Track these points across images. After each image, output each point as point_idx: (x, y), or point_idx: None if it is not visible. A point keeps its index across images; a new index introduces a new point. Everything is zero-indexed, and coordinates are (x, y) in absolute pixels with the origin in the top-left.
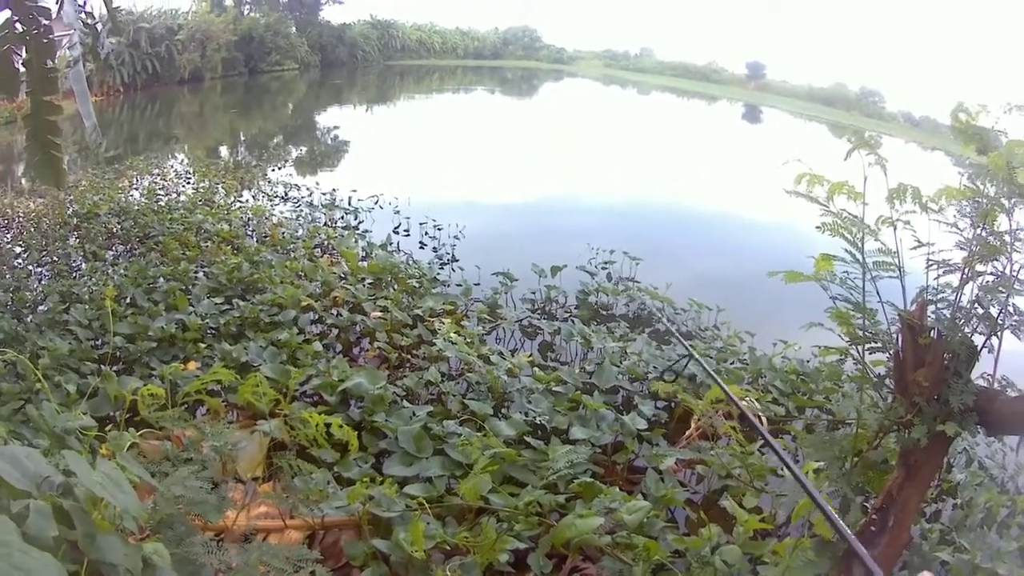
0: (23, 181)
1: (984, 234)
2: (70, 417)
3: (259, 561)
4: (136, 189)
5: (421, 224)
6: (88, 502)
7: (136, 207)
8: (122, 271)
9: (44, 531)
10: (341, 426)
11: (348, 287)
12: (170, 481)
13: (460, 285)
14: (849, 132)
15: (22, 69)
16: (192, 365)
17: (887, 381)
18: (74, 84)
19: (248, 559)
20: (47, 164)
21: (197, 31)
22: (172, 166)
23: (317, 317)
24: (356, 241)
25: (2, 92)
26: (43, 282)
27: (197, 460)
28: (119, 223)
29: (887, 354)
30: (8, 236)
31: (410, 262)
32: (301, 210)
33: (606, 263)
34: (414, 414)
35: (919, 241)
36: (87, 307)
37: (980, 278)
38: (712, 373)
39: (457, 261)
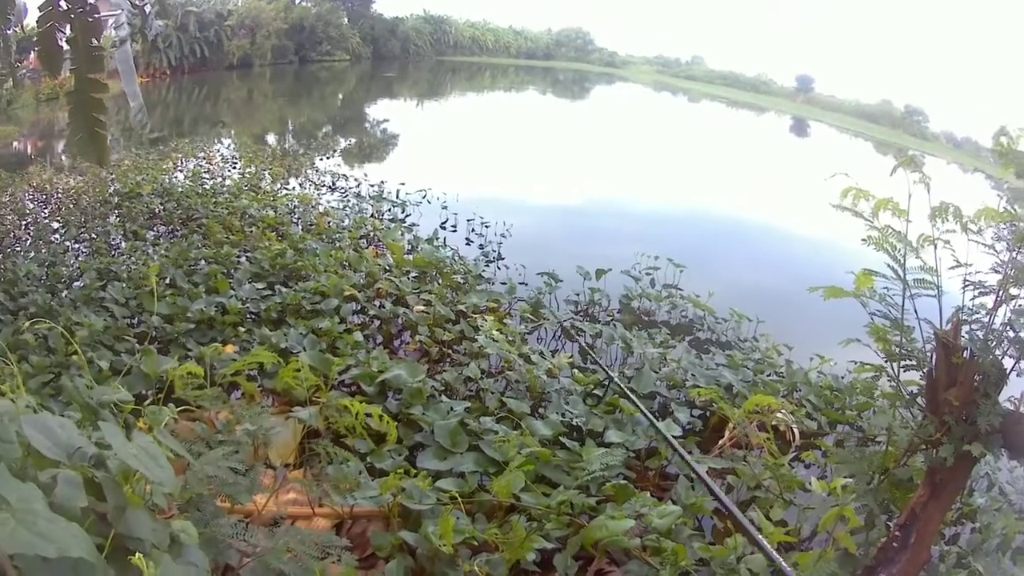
0: (63, 158)
1: (1020, 258)
2: (106, 390)
3: (287, 545)
4: (180, 171)
5: (468, 221)
6: (119, 475)
7: (180, 189)
8: (163, 252)
9: (73, 501)
10: (381, 416)
11: (392, 279)
12: (204, 460)
13: (505, 283)
14: (893, 150)
15: (66, 47)
16: (230, 348)
17: (919, 399)
18: (120, 64)
19: (278, 542)
20: (90, 141)
21: (247, 17)
22: (218, 150)
23: (360, 307)
24: (402, 234)
25: (46, 69)
26: (80, 258)
27: (231, 443)
28: (162, 204)
29: (920, 372)
30: (46, 211)
31: (456, 258)
32: (348, 200)
33: (650, 268)
34: (451, 409)
35: (957, 261)
36: (125, 285)
37: (1013, 301)
38: (636, 401)
39: (503, 259)
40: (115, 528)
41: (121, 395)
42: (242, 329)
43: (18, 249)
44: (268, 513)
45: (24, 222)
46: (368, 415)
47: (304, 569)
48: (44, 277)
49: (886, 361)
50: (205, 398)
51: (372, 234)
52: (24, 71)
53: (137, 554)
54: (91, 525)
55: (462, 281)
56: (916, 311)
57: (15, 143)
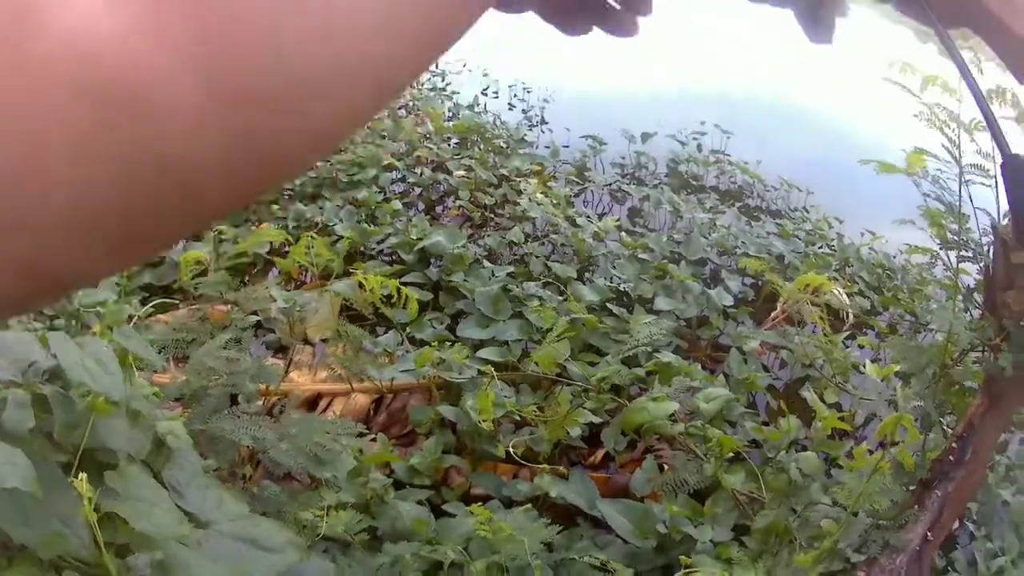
0: None
1: None
2: (92, 291)
3: (297, 433)
4: None
5: (510, 87)
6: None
7: None
8: None
9: (20, 424)
10: (399, 288)
11: (432, 146)
12: (201, 353)
13: (548, 147)
14: (933, 38)
15: None
16: (266, 227)
17: (975, 295)
18: None
19: (286, 432)
20: None
21: None
22: None
23: (400, 176)
24: (442, 102)
25: None
26: None
27: (235, 328)
28: None
29: (977, 265)
30: None
31: (497, 123)
32: None
33: (696, 134)
34: (493, 274)
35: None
36: None
37: None
38: None
39: (546, 123)
40: (63, 443)
41: (103, 295)
42: (276, 207)
43: None
44: (306, 392)
45: None
46: (385, 289)
47: (327, 452)
48: None
49: (941, 247)
50: (206, 285)
51: (411, 103)
52: None
53: (80, 475)
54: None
55: (504, 145)
56: (972, 199)
57: None
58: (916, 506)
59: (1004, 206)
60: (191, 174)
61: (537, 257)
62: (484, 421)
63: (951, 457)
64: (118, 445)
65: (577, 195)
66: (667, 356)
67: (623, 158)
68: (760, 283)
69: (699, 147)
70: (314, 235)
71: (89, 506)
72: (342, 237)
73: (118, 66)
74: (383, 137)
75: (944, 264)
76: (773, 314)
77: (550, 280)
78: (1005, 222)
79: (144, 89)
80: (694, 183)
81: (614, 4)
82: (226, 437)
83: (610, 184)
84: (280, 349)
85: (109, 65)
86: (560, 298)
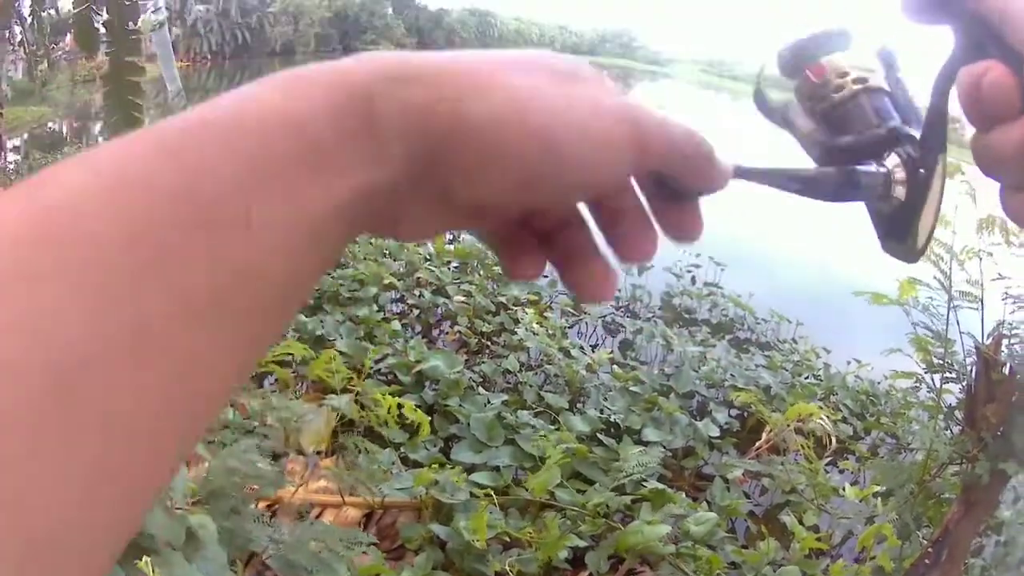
0: (100, 139)
1: None
2: None
3: (311, 539)
4: None
5: None
6: None
7: None
8: None
9: None
10: (415, 409)
11: (432, 269)
12: (226, 453)
13: (547, 276)
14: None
15: (102, 29)
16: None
17: (956, 413)
18: (158, 48)
19: (302, 535)
20: (127, 124)
21: (290, 4)
22: None
23: (399, 296)
24: None
25: (82, 48)
26: None
27: (259, 432)
28: None
29: (960, 385)
30: None
31: None
32: None
33: (691, 266)
34: (489, 401)
35: (999, 274)
36: None
37: None
38: None
39: None
40: None
41: None
42: None
43: None
44: (297, 501)
45: None
46: (400, 407)
47: (336, 557)
48: None
49: (926, 372)
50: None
51: None
52: (60, 53)
53: (144, 558)
54: None
55: (503, 272)
56: (959, 323)
57: (50, 124)
58: None
59: (988, 328)
60: None
61: (531, 386)
62: (477, 541)
63: (927, 561)
64: (157, 532)
65: (572, 326)
66: (652, 484)
67: (619, 290)
68: (746, 414)
69: (693, 279)
70: (338, 351)
71: None
72: (342, 353)
73: None
74: (385, 255)
75: (928, 386)
76: (758, 443)
77: (542, 409)
78: (988, 342)
79: None
80: (687, 316)
81: (595, 250)
82: (245, 536)
83: (604, 316)
84: (271, 456)
85: None
86: (552, 427)
